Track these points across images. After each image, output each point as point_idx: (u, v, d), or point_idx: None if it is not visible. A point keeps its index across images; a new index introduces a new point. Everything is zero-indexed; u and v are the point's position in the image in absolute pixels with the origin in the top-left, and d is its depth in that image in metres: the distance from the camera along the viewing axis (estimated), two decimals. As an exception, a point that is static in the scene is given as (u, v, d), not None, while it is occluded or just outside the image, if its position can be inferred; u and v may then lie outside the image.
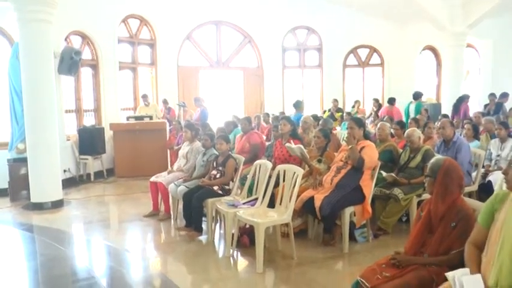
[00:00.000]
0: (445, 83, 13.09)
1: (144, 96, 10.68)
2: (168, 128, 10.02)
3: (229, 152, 5.63)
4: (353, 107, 12.74)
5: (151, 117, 9.77)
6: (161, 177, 6.11)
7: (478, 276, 2.29)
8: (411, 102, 11.23)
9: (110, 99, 10.16)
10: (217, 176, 5.39)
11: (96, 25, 9.69)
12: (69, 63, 8.20)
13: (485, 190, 5.50)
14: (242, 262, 4.64)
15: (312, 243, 5.00)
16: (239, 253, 4.77)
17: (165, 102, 11.18)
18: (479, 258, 2.44)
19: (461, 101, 10.76)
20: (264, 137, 7.90)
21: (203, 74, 12.68)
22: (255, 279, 4.11)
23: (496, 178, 5.27)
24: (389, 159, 5.57)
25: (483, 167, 5.88)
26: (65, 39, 9.00)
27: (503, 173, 2.53)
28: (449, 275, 2.32)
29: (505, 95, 10.79)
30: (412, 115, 10.31)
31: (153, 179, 6.21)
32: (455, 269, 2.43)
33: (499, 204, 2.45)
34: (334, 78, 13.65)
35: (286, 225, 4.60)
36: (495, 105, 10.47)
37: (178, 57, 12.07)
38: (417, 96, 11.23)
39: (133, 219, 6.22)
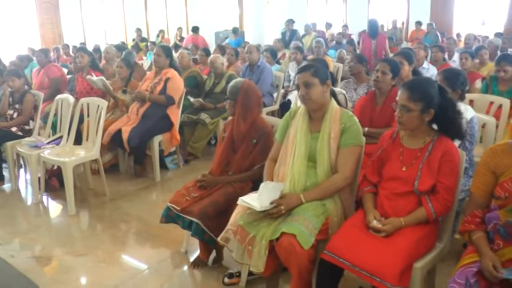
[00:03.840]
0: (247, 12, 13.57)
1: None
2: None
3: (26, 88, 5.04)
4: (157, 36, 12.47)
5: None
6: None
7: (272, 184, 2.49)
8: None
9: None
10: (15, 115, 4.81)
11: None
12: None
13: (286, 108, 6.01)
14: (53, 207, 4.33)
15: (124, 176, 4.93)
16: (49, 198, 4.43)
17: None
18: (277, 172, 2.63)
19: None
20: (66, 71, 7.28)
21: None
22: (68, 223, 3.91)
23: (294, 97, 5.79)
24: (194, 85, 5.65)
25: (283, 87, 6.38)
26: None
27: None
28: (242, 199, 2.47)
29: (290, 22, 11.74)
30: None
31: None
32: (258, 183, 2.63)
33: (292, 120, 2.66)
34: (136, 7, 13.03)
35: (96, 161, 4.41)
36: (290, 32, 11.34)
37: None
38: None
39: None
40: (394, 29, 12.69)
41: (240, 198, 2.44)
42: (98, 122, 4.26)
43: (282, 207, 2.35)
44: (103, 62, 6.89)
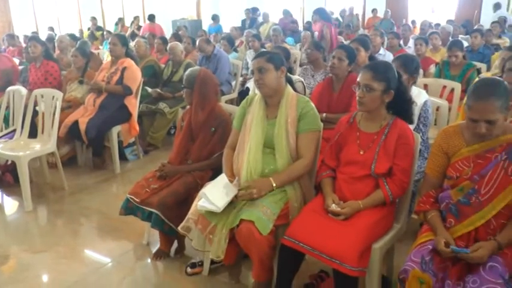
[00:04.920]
0: (204, 0, 13.44)
1: None
2: None
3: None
4: (116, 24, 12.17)
5: None
6: None
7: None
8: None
9: None
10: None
11: None
12: None
13: (244, 96, 5.97)
14: (9, 203, 4.16)
15: (83, 169, 4.81)
16: (4, 194, 4.27)
17: None
18: (236, 160, 2.63)
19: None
20: (17, 61, 6.99)
21: None
22: (25, 219, 3.79)
23: (252, 84, 5.79)
24: (152, 75, 5.57)
25: (241, 75, 6.36)
26: None
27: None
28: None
29: (250, 10, 11.74)
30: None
31: None
32: (217, 172, 2.64)
33: (249, 107, 2.68)
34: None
35: (53, 154, 4.27)
36: (250, 20, 11.35)
37: None
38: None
39: None
40: (350, 16, 12.84)
41: (199, 204, 2.41)
42: (54, 114, 4.13)
43: (254, 190, 2.35)
44: (57, 51, 6.68)
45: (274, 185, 2.41)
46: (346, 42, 5.12)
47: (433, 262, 1.92)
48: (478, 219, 1.98)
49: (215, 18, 12.17)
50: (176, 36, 7.59)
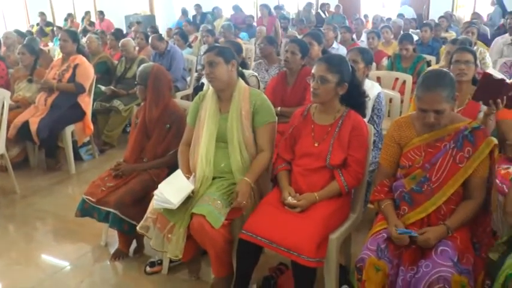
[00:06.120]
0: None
1: None
2: None
3: None
4: (66, 20, 11.79)
5: None
6: None
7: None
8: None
9: None
10: None
11: None
12: None
13: (199, 92, 5.96)
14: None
15: (35, 171, 4.65)
16: None
17: None
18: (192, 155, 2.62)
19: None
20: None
21: None
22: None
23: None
24: (105, 71, 5.45)
25: (196, 71, 6.31)
26: None
27: None
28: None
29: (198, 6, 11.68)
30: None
31: None
32: (173, 169, 2.62)
33: (202, 102, 2.67)
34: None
35: (2, 157, 4.11)
36: (200, 15, 11.26)
37: None
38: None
39: None
40: (306, 12, 12.97)
41: (155, 202, 2.39)
42: (1, 114, 3.96)
43: (239, 199, 2.34)
44: (3, 48, 6.40)
45: (250, 182, 2.40)
46: (299, 37, 5.15)
47: (388, 249, 1.98)
48: (430, 205, 2.06)
49: (184, 12, 11.94)
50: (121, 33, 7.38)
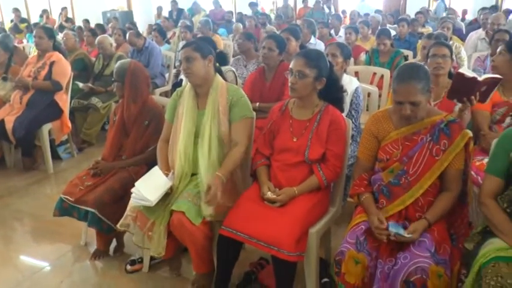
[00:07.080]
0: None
1: None
2: None
3: None
4: (41, 16, 11.59)
5: None
6: None
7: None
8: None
9: None
10: None
11: None
12: None
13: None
14: None
15: (12, 171, 4.58)
16: None
17: None
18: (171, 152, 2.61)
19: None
20: None
21: None
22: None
23: (185, 76, 5.73)
24: (82, 68, 5.37)
25: (175, 67, 6.27)
26: None
27: None
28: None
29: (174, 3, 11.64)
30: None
31: None
32: (152, 166, 2.60)
33: (180, 98, 2.65)
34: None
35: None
36: (177, 11, 11.21)
37: None
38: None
39: None
40: (284, 8, 12.99)
41: (133, 200, 2.38)
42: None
43: (211, 193, 2.29)
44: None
45: (222, 177, 2.36)
46: (278, 32, 5.16)
47: (367, 242, 2.00)
48: (408, 198, 2.08)
49: (159, 9, 11.96)
50: (98, 28, 7.28)
